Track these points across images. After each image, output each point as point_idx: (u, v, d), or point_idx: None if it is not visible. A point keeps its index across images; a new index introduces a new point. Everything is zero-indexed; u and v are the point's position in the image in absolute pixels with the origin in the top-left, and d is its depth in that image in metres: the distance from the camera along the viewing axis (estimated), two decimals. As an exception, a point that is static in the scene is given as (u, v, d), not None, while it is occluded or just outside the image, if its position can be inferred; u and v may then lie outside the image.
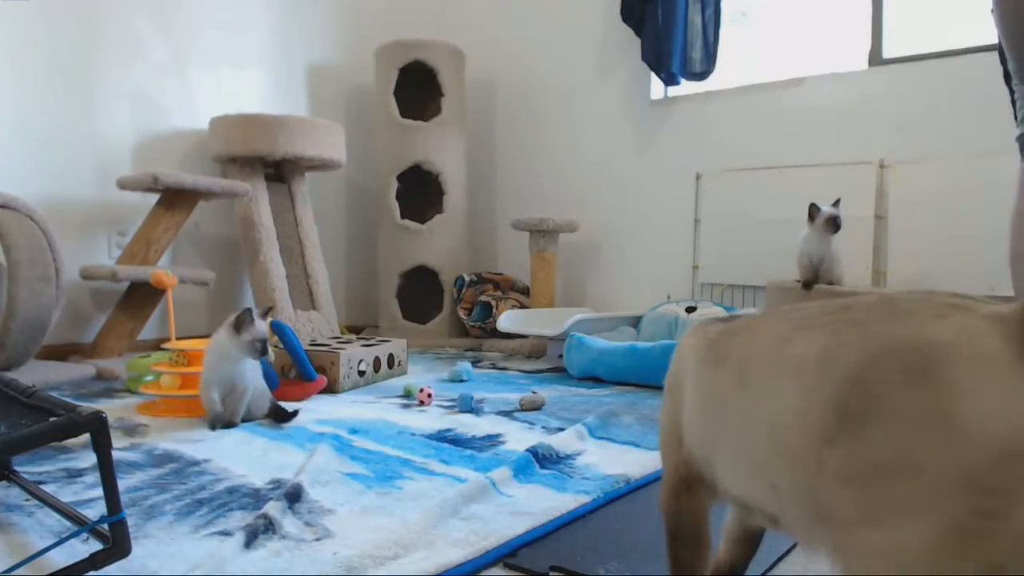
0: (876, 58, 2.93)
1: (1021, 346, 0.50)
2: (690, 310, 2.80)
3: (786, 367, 0.63)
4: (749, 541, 0.86)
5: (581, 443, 1.63)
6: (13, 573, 0.93)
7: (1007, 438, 0.48)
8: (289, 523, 1.13)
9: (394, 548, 1.02)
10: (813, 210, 2.52)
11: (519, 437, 1.71)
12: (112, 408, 1.97)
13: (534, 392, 2.13)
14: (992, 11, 1.36)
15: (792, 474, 0.62)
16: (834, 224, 2.50)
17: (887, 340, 0.56)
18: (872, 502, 0.55)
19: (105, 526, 0.91)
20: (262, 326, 1.65)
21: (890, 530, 0.53)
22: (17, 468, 1.31)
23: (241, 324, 1.62)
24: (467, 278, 3.53)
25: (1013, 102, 1.40)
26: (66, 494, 1.25)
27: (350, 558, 0.99)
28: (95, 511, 1.11)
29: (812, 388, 0.59)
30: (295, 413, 1.84)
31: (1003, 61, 1.48)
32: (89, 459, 1.43)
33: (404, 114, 3.55)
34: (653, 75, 3.37)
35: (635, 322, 3.06)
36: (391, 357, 2.56)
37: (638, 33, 3.34)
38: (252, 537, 1.04)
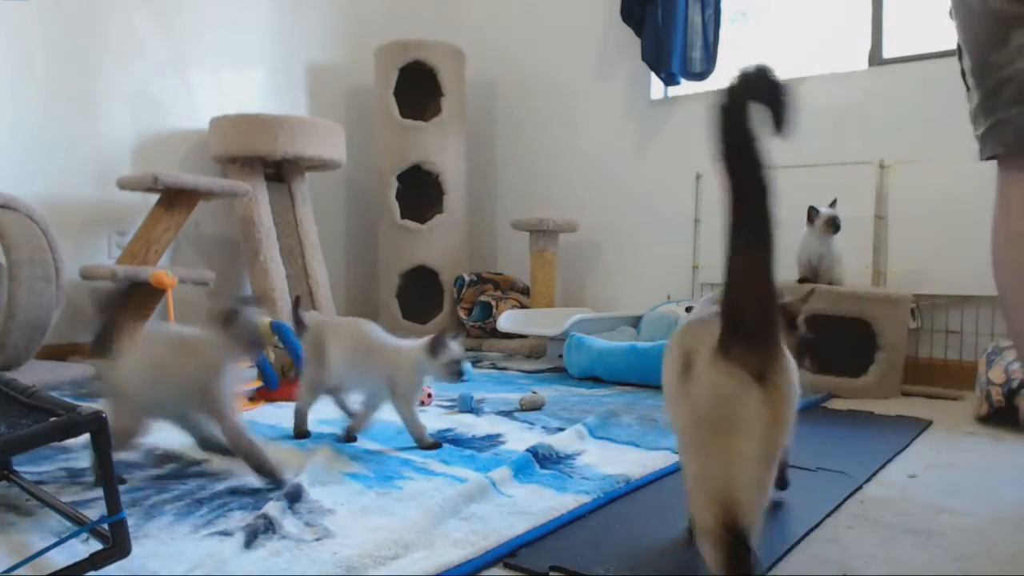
0: (876, 58, 2.93)
1: (719, 345, 0.82)
2: (690, 310, 2.80)
3: (668, 353, 0.99)
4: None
5: (581, 443, 1.63)
6: (13, 573, 0.93)
7: (706, 392, 0.83)
8: (289, 523, 1.13)
9: (394, 548, 1.02)
10: (812, 212, 2.53)
11: (519, 437, 1.71)
12: (112, 408, 1.97)
13: (534, 392, 2.13)
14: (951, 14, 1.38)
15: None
16: (834, 225, 2.51)
17: (683, 343, 0.93)
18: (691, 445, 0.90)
19: (105, 526, 0.91)
20: (456, 347, 1.62)
21: (697, 466, 0.87)
22: (17, 468, 1.31)
23: (437, 347, 1.59)
24: (467, 278, 3.53)
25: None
26: (66, 494, 1.25)
27: (350, 558, 0.99)
28: (95, 511, 1.11)
29: (672, 363, 0.95)
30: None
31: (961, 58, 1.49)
32: (89, 459, 1.43)
33: (404, 114, 3.55)
34: (653, 75, 3.37)
35: (635, 322, 3.06)
36: (391, 357, 2.56)
37: (638, 33, 3.34)
38: (252, 537, 1.04)
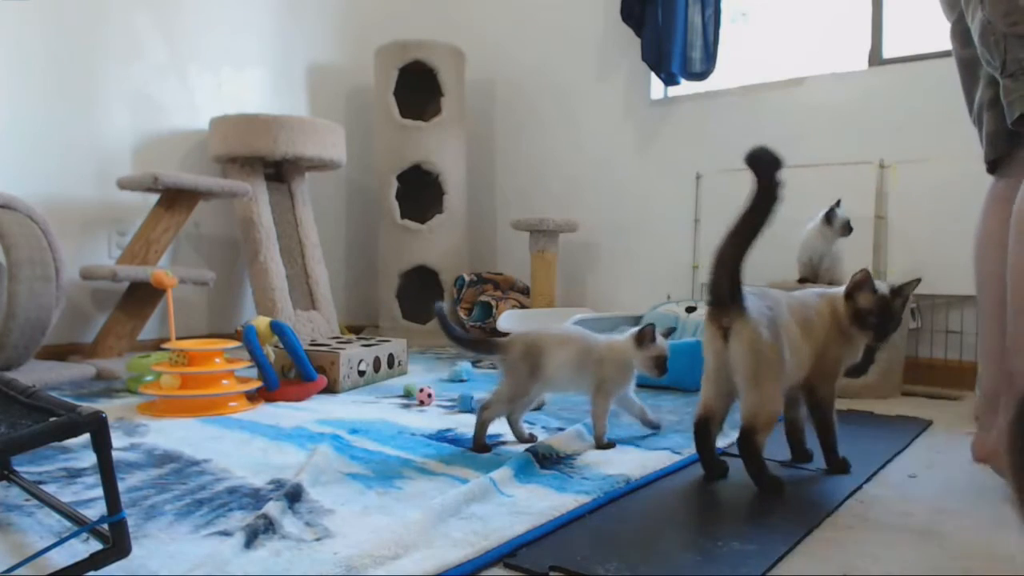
0: (876, 58, 2.93)
1: (707, 310, 1.31)
2: (690, 310, 2.80)
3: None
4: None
5: (581, 443, 1.63)
6: (13, 573, 0.93)
7: (703, 340, 1.36)
8: (289, 523, 1.13)
9: (394, 548, 1.02)
10: (831, 215, 2.52)
11: (519, 437, 1.71)
12: (112, 408, 1.97)
13: (534, 392, 2.12)
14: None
15: None
16: (849, 228, 2.52)
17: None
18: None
19: (105, 526, 0.91)
20: (662, 342, 1.61)
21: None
22: (17, 468, 1.31)
23: (644, 339, 1.59)
24: (467, 278, 3.53)
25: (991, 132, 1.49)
26: (66, 494, 1.25)
27: (350, 558, 0.99)
28: (95, 511, 1.11)
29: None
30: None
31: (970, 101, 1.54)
32: (89, 459, 1.43)
33: (404, 114, 3.55)
34: (653, 75, 3.37)
35: (635, 322, 3.05)
36: (391, 357, 2.57)
37: (638, 33, 3.34)
38: (252, 537, 1.04)
